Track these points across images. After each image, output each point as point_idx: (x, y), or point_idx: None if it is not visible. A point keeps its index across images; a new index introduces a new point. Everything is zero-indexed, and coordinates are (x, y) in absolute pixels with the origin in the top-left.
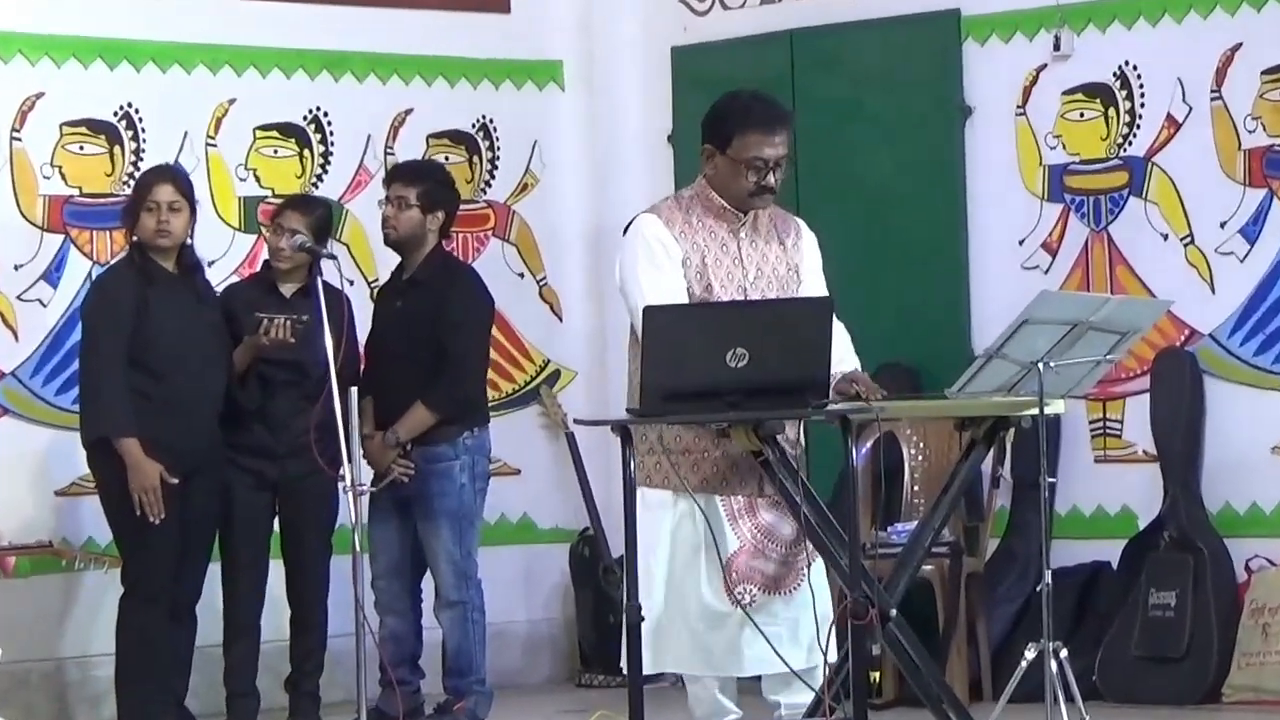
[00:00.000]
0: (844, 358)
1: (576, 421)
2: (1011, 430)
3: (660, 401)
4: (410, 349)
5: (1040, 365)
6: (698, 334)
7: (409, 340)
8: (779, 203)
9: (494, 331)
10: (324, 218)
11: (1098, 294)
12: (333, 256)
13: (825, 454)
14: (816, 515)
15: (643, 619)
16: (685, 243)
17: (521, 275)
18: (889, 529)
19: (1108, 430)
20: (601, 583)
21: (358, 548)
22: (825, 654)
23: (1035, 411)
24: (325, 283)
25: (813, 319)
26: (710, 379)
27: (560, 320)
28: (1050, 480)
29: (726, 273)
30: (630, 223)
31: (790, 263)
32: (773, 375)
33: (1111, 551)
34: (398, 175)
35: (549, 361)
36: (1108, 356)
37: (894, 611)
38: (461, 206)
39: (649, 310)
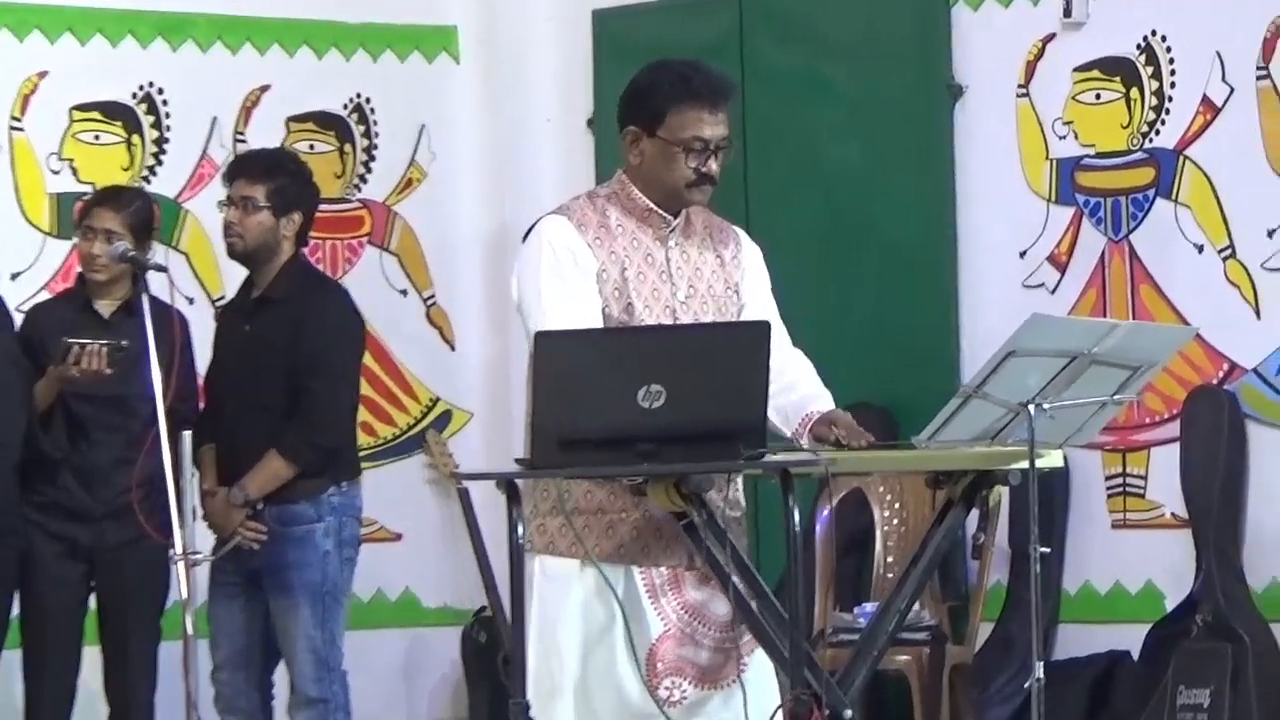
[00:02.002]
0: (816, 394)
1: (454, 475)
2: (996, 488)
3: (555, 450)
4: (261, 384)
5: (1030, 407)
6: (603, 366)
7: (259, 373)
8: (716, 208)
9: (368, 362)
10: (142, 212)
11: (1102, 319)
12: (162, 268)
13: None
14: (753, 591)
15: None
16: (601, 252)
17: (404, 293)
18: (856, 610)
19: (1128, 488)
20: (501, 674)
21: (190, 631)
22: None
23: (1025, 465)
24: (154, 299)
25: (746, 348)
26: (618, 422)
27: (452, 349)
28: (1042, 550)
29: (652, 290)
30: (531, 227)
31: (729, 280)
32: (696, 418)
33: (1132, 639)
34: (241, 170)
35: (437, 400)
36: (1115, 397)
37: (849, 713)
38: (332, 206)
39: (542, 336)
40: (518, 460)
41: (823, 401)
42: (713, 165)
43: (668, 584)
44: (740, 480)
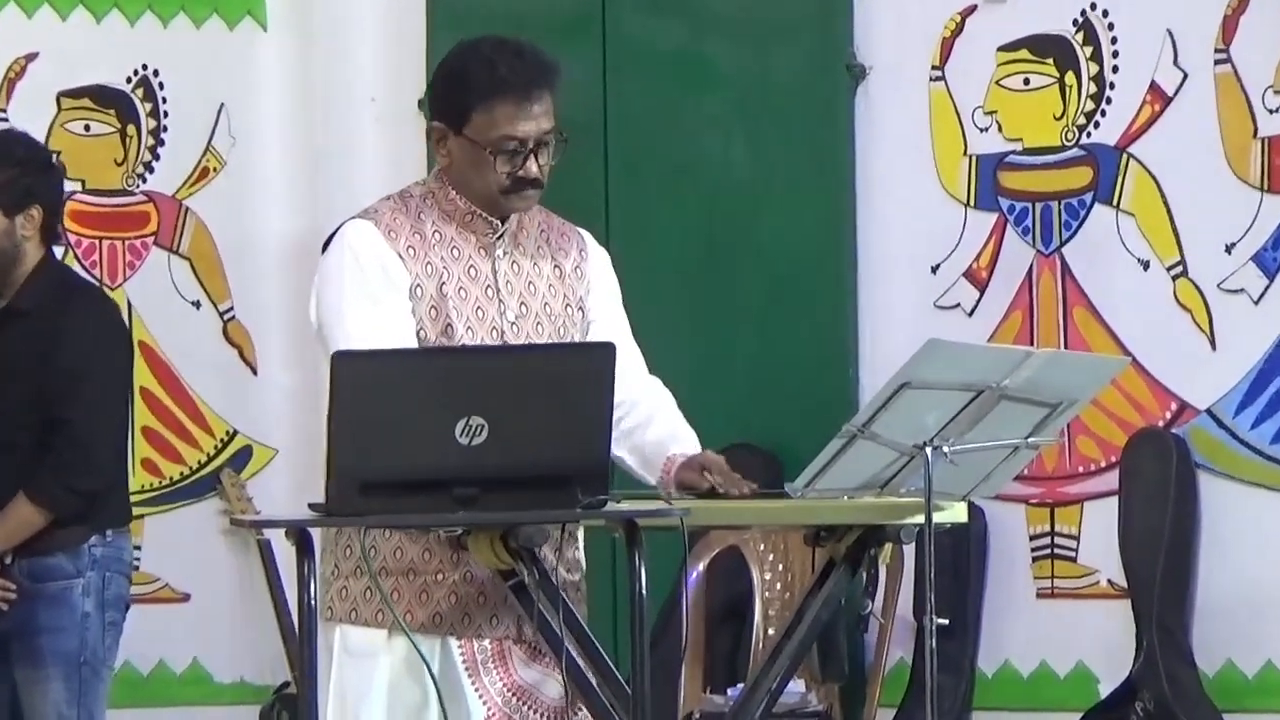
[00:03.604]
0: (678, 432)
1: (234, 522)
2: (888, 547)
3: (356, 495)
4: (6, 413)
5: (928, 450)
6: (413, 394)
7: (4, 400)
8: (571, 217)
9: (152, 388)
10: None
11: (1013, 347)
12: None
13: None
14: (594, 665)
15: None
16: (415, 264)
17: (197, 304)
18: (731, 691)
19: (1057, 550)
20: None
21: None
22: None
23: (921, 519)
24: None
25: (586, 374)
26: (432, 462)
27: (254, 372)
28: (940, 622)
29: (475, 309)
30: (333, 234)
31: (570, 295)
32: (526, 457)
33: None
34: None
35: (235, 432)
36: (1029, 440)
37: None
38: (111, 200)
39: (339, 358)
40: (312, 506)
41: (687, 442)
42: (532, 167)
43: (492, 659)
44: (581, 536)
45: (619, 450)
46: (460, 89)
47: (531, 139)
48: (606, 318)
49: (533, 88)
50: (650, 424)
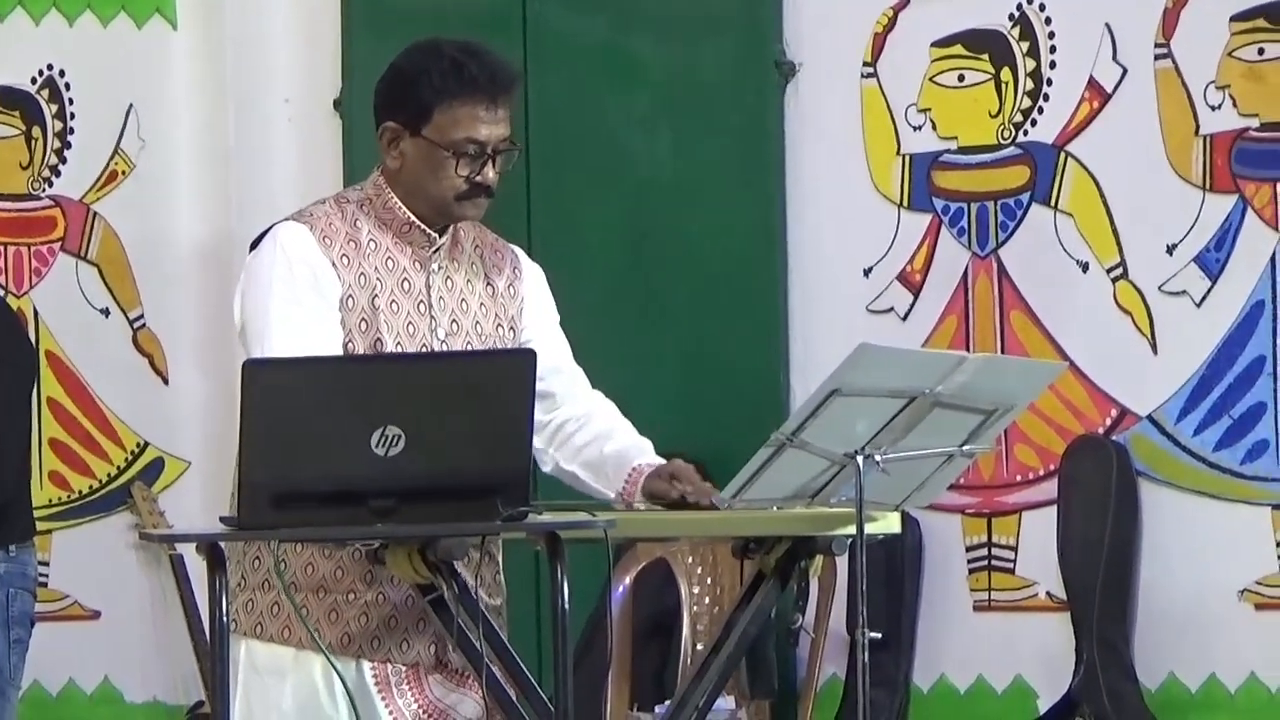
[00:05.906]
0: (637, 443)
1: (145, 536)
2: (818, 559)
3: (268, 507)
4: None
5: (859, 459)
6: (327, 403)
7: None
8: (492, 221)
9: (60, 398)
10: None
11: (946, 351)
12: None
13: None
14: (515, 681)
15: None
16: (348, 273)
17: (106, 312)
18: (659, 709)
19: (994, 561)
20: None
21: None
22: None
23: (852, 530)
24: None
25: (506, 382)
26: (347, 473)
27: (165, 382)
28: (873, 635)
29: (406, 324)
30: (262, 235)
31: (501, 314)
32: (444, 468)
33: None
34: None
35: (145, 444)
36: (964, 448)
37: None
38: (16, 205)
39: (249, 367)
40: (224, 519)
41: (648, 453)
42: (489, 173)
43: (406, 680)
44: (500, 557)
45: (569, 465)
46: (423, 88)
47: (491, 144)
48: (541, 335)
49: (499, 92)
50: (610, 437)
